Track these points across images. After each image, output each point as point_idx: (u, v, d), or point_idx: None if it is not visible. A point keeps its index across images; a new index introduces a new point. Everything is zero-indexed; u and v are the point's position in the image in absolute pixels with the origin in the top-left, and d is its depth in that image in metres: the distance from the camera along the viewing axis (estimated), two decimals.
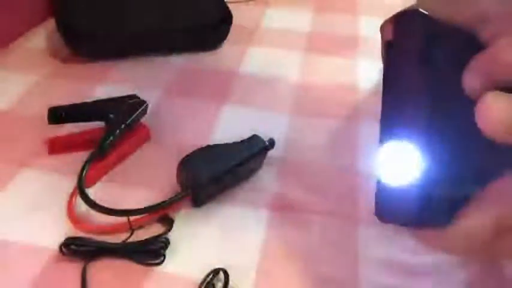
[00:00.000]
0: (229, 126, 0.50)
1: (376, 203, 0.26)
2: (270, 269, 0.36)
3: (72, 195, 0.40)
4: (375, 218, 0.26)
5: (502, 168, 0.25)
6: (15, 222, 0.38)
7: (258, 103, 0.54)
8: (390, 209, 0.25)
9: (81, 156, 0.43)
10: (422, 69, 0.24)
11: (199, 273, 0.35)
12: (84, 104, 0.48)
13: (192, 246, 0.37)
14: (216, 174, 0.40)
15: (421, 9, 0.25)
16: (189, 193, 0.39)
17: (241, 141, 0.43)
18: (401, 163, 0.24)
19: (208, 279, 0.34)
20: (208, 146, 0.42)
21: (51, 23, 0.64)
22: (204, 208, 0.41)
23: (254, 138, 0.44)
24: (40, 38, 0.64)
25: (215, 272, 0.34)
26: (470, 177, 0.26)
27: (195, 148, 0.41)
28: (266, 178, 0.44)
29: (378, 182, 0.25)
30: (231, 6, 0.65)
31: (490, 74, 0.24)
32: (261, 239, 0.38)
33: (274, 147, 0.44)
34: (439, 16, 0.26)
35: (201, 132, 0.49)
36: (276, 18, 0.74)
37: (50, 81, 0.56)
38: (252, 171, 0.44)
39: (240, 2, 0.77)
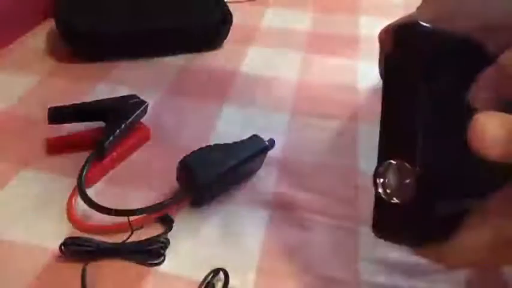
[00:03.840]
0: (229, 126, 0.50)
1: (374, 220, 0.25)
2: (270, 269, 0.36)
3: (72, 195, 0.40)
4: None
5: (500, 182, 0.25)
6: (15, 222, 0.38)
7: (258, 103, 0.54)
8: (388, 227, 0.25)
9: (81, 156, 0.42)
10: (422, 84, 0.24)
11: (199, 273, 0.35)
12: (84, 104, 0.48)
13: (192, 246, 0.37)
14: (216, 174, 0.40)
15: (421, 22, 0.24)
16: (189, 193, 0.39)
17: (241, 141, 0.43)
18: (400, 180, 0.24)
19: (208, 279, 0.34)
20: (208, 146, 0.42)
21: (51, 23, 0.64)
22: (204, 208, 0.40)
23: (254, 138, 0.44)
24: (40, 38, 0.64)
25: (215, 272, 0.34)
26: (468, 192, 0.25)
27: (195, 148, 0.41)
28: (266, 178, 0.44)
29: (376, 199, 0.25)
30: (231, 6, 0.65)
31: (498, 88, 0.24)
32: (261, 239, 0.38)
33: (274, 147, 0.44)
34: (443, 27, 0.25)
35: (201, 132, 0.49)
36: (276, 18, 0.74)
37: (50, 81, 0.56)
38: (252, 171, 0.44)
39: (240, 2, 0.77)
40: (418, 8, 0.33)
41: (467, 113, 0.23)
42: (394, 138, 0.25)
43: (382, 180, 0.25)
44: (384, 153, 0.25)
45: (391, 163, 0.24)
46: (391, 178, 0.24)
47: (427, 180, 0.23)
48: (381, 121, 0.26)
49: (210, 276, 0.34)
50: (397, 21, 0.30)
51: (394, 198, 0.24)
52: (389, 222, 0.25)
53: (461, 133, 0.22)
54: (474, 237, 0.24)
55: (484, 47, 0.26)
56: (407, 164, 0.24)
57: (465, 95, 0.25)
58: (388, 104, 0.25)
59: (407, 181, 0.24)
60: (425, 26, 0.24)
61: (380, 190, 0.25)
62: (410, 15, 0.32)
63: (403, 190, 0.24)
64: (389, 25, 0.32)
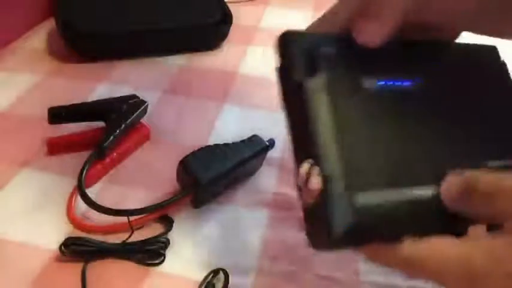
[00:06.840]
0: (229, 126, 0.50)
1: (306, 230, 0.25)
2: (269, 269, 0.36)
3: (72, 195, 0.40)
4: None
5: (434, 170, 0.25)
6: (15, 222, 0.38)
7: (258, 103, 0.54)
8: (314, 236, 0.24)
9: (81, 156, 0.42)
10: (304, 85, 0.24)
11: (199, 273, 0.35)
12: (84, 104, 0.48)
13: (192, 246, 0.37)
14: (216, 174, 0.40)
15: (291, 30, 0.26)
16: (189, 193, 0.39)
17: (241, 141, 0.43)
18: (318, 186, 0.23)
19: (208, 279, 0.34)
20: (208, 146, 0.42)
21: (51, 23, 0.64)
22: (204, 208, 0.41)
23: (254, 138, 0.44)
24: (40, 38, 0.64)
25: (215, 272, 0.35)
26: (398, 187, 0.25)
27: (195, 148, 0.41)
28: (266, 178, 0.44)
29: (303, 209, 0.24)
30: (231, 6, 0.65)
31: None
32: (261, 239, 0.38)
33: (274, 147, 0.44)
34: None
35: (201, 132, 0.49)
36: (276, 18, 0.74)
37: (50, 81, 0.56)
38: (252, 171, 0.44)
39: (240, 2, 0.77)
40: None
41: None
42: (300, 143, 0.25)
43: (302, 186, 0.24)
44: (297, 160, 0.25)
45: (305, 168, 0.24)
46: (308, 184, 0.24)
47: (331, 179, 0.23)
48: (287, 131, 0.26)
49: (210, 276, 0.34)
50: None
51: (316, 203, 0.23)
52: (313, 231, 0.24)
53: (368, 126, 0.22)
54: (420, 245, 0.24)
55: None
56: (316, 166, 0.23)
57: (361, 83, 0.26)
58: (287, 111, 0.26)
59: (325, 185, 0.23)
60: (297, 32, 0.26)
61: (302, 198, 0.24)
62: (319, 18, 0.33)
63: (323, 194, 0.23)
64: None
